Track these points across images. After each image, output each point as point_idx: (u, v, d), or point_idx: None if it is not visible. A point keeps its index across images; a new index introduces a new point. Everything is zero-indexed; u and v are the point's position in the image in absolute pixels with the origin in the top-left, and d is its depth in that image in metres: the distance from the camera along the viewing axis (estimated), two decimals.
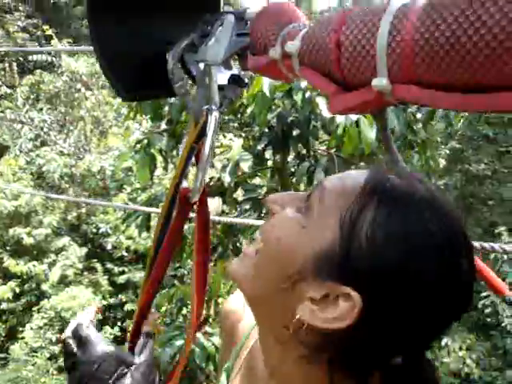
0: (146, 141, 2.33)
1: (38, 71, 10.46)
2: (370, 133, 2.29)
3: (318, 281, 0.48)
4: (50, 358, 6.93)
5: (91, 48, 0.69)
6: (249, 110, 2.17)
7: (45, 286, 7.77)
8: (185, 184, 0.68)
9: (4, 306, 7.58)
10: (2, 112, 10.59)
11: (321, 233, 0.49)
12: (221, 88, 0.65)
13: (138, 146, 2.34)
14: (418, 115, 3.03)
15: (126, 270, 8.31)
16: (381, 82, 0.43)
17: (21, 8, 13.84)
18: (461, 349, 6.49)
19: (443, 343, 5.99)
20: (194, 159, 0.67)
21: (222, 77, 0.65)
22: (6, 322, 7.66)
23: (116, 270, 8.31)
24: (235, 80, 0.65)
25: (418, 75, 0.41)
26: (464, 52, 0.37)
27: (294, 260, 0.50)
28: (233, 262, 0.56)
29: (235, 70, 0.66)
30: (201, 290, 0.70)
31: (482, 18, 0.35)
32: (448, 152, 8.92)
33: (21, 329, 7.45)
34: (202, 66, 0.64)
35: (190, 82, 0.71)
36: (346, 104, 0.48)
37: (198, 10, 0.69)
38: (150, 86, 0.74)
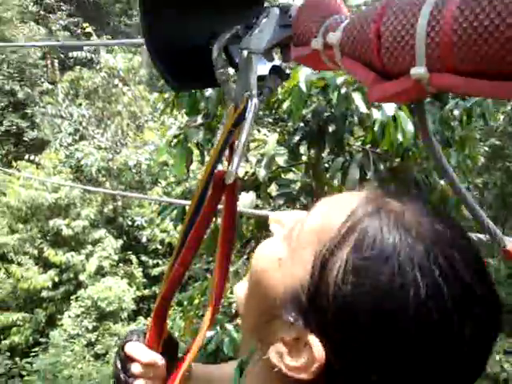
0: (182, 135, 2.38)
1: (78, 67, 10.76)
2: (408, 126, 2.27)
3: (290, 322, 0.44)
4: (86, 345, 7.16)
5: (134, 41, 0.73)
6: (284, 105, 2.18)
7: (82, 276, 8.01)
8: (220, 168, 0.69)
9: (44, 294, 7.87)
10: (43, 107, 10.95)
11: (293, 270, 0.45)
12: (262, 78, 0.67)
13: (175, 140, 2.39)
14: (456, 112, 2.97)
15: (160, 262, 8.48)
16: (419, 70, 0.44)
17: (63, 7, 14.26)
18: (498, 353, 6.31)
19: None
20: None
21: (263, 67, 0.67)
22: (46, 309, 7.95)
23: (150, 262, 8.49)
24: (276, 71, 0.67)
25: (456, 64, 0.42)
26: (503, 39, 0.38)
27: (268, 295, 0.47)
28: (241, 282, 0.56)
29: (277, 62, 0.68)
30: (221, 282, 0.67)
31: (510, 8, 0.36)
32: (487, 149, 8.67)
33: (59, 316, 7.72)
34: (245, 53, 0.66)
35: (232, 71, 0.73)
36: (385, 92, 0.49)
37: (243, 5, 0.71)
38: (196, 77, 0.77)
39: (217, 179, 0.64)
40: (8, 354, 7.24)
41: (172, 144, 2.43)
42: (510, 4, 0.37)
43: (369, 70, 0.50)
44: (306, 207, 3.14)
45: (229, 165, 0.67)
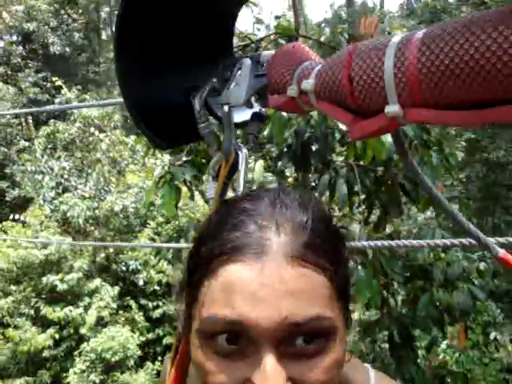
0: (168, 175, 2.40)
1: (52, 121, 10.79)
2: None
3: None
4: None
5: (120, 100, 0.76)
6: (265, 132, 2.23)
7: (83, 330, 7.85)
8: None
9: (46, 353, 7.68)
10: (22, 165, 10.90)
11: None
12: (245, 123, 0.70)
13: (162, 180, 2.41)
14: None
15: (160, 303, 8.36)
16: (393, 108, 0.47)
17: (30, 64, 14.35)
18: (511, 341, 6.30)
19: (491, 337, 5.81)
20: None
21: (244, 115, 0.70)
22: (49, 370, 7.74)
23: (150, 305, 8.36)
24: (257, 116, 0.70)
25: (425, 99, 0.45)
26: (464, 75, 0.42)
27: None
28: None
29: (256, 108, 0.71)
30: None
31: (475, 45, 0.40)
32: (464, 144, 8.85)
33: (65, 374, 7.52)
34: (226, 108, 0.69)
35: (215, 122, 0.76)
36: (364, 131, 0.52)
37: (213, 56, 0.75)
38: (180, 133, 0.80)
39: None
40: None
41: (159, 185, 2.45)
42: (464, 44, 0.41)
43: (345, 111, 0.53)
44: None
45: None
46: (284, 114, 2.13)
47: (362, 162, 3.09)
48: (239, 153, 0.68)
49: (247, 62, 0.67)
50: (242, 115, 0.71)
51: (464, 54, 0.41)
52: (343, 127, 2.34)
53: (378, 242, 1.81)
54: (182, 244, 2.60)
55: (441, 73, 0.43)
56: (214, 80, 0.71)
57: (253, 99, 0.71)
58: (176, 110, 0.75)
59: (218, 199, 0.68)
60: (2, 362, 7.71)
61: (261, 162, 2.55)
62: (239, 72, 0.68)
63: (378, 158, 2.63)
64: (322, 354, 0.47)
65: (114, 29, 0.71)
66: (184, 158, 2.47)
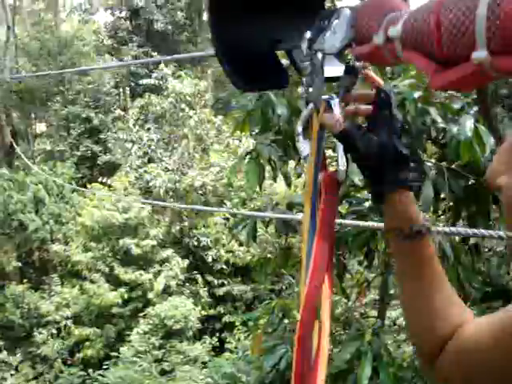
0: (254, 152, 2.43)
1: (147, 94, 11.31)
2: (489, 139, 2.18)
3: None
4: (154, 362, 7.32)
5: (202, 53, 0.79)
6: None
7: (150, 295, 8.25)
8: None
9: (114, 310, 8.18)
10: (115, 133, 11.57)
11: None
12: (337, 79, 0.68)
13: (248, 157, 2.44)
14: None
15: (225, 282, 8.57)
16: (480, 54, 0.45)
17: (134, 39, 15.12)
18: None
19: None
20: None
21: (337, 69, 0.68)
22: (115, 325, 8.24)
23: (216, 282, 8.60)
24: (351, 70, 0.68)
25: None
26: None
27: None
28: None
29: (350, 63, 0.69)
30: (315, 281, 0.62)
31: None
32: None
33: (128, 332, 7.97)
34: (319, 55, 0.67)
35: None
36: (447, 79, 0.50)
37: (304, 11, 0.74)
38: (261, 79, 0.80)
39: (328, 181, 0.65)
40: (81, 366, 7.55)
41: (244, 161, 2.48)
42: None
43: (430, 59, 0.51)
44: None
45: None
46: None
47: (453, 167, 2.93)
48: (331, 102, 0.66)
49: (346, 11, 0.65)
50: (333, 70, 0.70)
51: None
52: (441, 124, 2.23)
53: (452, 229, 1.71)
54: (267, 213, 2.60)
55: None
56: (308, 33, 0.70)
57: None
58: (261, 58, 0.76)
59: (317, 152, 0.66)
60: (77, 310, 8.31)
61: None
62: (336, 21, 0.66)
63: (474, 162, 2.47)
64: None
65: None
66: (271, 138, 2.49)
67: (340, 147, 0.65)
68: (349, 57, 0.70)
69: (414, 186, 0.62)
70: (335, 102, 0.65)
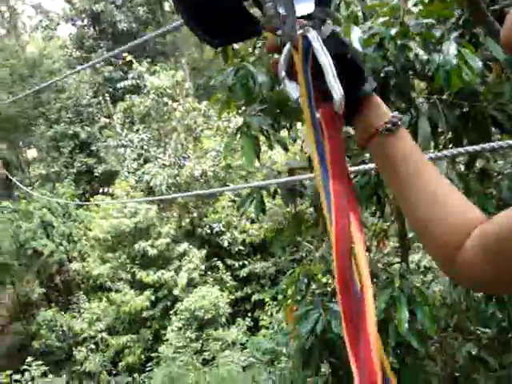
0: (245, 126, 2.40)
1: (128, 96, 11.21)
2: (475, 63, 2.13)
3: None
4: (194, 353, 7.43)
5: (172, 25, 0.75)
6: None
7: (176, 291, 8.33)
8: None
9: (145, 313, 8.27)
10: (104, 141, 11.52)
11: None
12: (308, 15, 0.64)
13: (239, 132, 2.41)
14: None
15: (245, 263, 8.63)
16: None
17: (101, 44, 14.93)
18: None
19: None
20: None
21: (308, 6, 0.65)
22: (150, 328, 8.34)
23: (236, 264, 8.66)
24: (322, 2, 0.65)
25: None
26: None
27: None
28: None
29: None
30: (341, 219, 0.58)
31: None
32: None
33: (163, 332, 8.07)
34: None
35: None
36: None
37: None
38: (231, 31, 0.77)
39: (327, 115, 0.62)
40: (127, 373, 7.69)
41: (237, 137, 2.45)
42: None
43: None
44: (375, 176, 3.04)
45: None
46: (359, 48, 2.01)
47: (445, 97, 2.88)
48: (307, 34, 0.62)
49: None
50: (304, 7, 0.66)
51: None
52: (424, 56, 2.17)
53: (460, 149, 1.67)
54: (274, 180, 2.57)
55: None
56: None
57: None
58: (223, 10, 0.72)
59: (306, 86, 0.63)
60: (110, 321, 8.42)
61: None
62: None
63: (465, 89, 2.43)
64: None
65: None
66: (258, 108, 2.45)
67: (330, 73, 0.61)
68: None
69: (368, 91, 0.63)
70: (313, 36, 0.61)
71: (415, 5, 2.41)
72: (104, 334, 8.33)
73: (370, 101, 0.63)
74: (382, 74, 2.45)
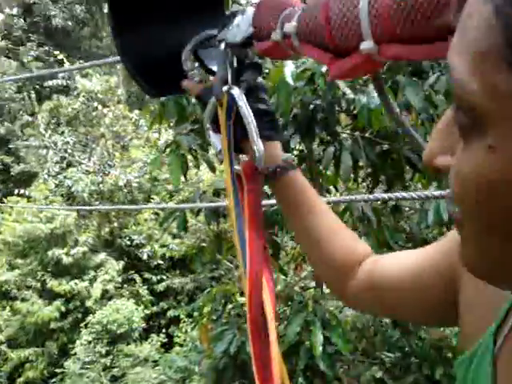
0: (174, 144, 2.41)
1: (55, 96, 10.74)
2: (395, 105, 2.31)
3: None
4: (103, 370, 7.13)
5: (108, 60, 0.79)
6: (271, 101, 2.21)
7: (89, 302, 7.97)
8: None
9: (53, 325, 7.82)
10: (26, 140, 10.91)
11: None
12: (239, 72, 0.70)
13: (168, 150, 2.42)
14: (437, 87, 3.01)
15: (164, 277, 8.47)
16: (368, 44, 0.51)
17: (32, 38, 14.21)
18: None
19: None
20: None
21: (239, 62, 0.71)
22: (57, 341, 7.90)
23: (154, 278, 8.47)
24: (251, 65, 0.70)
25: (396, 34, 0.49)
26: (424, 11, 0.46)
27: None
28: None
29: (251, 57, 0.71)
30: (256, 266, 0.63)
31: None
32: None
33: (71, 345, 7.67)
34: (222, 46, 0.69)
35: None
36: (341, 68, 0.55)
37: (207, 13, 0.76)
38: (171, 83, 0.81)
39: (248, 170, 0.66)
40: None
41: (165, 153, 2.45)
42: None
43: (324, 51, 0.56)
44: None
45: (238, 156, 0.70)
46: (290, 82, 2.12)
47: (367, 135, 3.07)
48: (232, 92, 0.67)
49: (250, 9, 0.69)
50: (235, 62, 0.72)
51: None
52: (350, 95, 2.33)
53: (377, 196, 1.82)
54: (193, 204, 2.61)
55: (409, 8, 0.46)
56: (207, 31, 0.73)
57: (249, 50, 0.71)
58: (169, 62, 0.77)
59: (228, 144, 0.68)
60: (11, 333, 7.86)
61: None
62: (240, 17, 0.69)
63: (384, 131, 2.62)
64: None
65: None
66: (189, 127, 2.47)
67: (253, 131, 0.66)
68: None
69: (272, 135, 0.69)
70: (238, 94, 0.66)
71: None
72: (3, 347, 7.76)
73: (267, 144, 0.68)
74: (310, 107, 2.59)
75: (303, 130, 2.49)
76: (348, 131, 3.13)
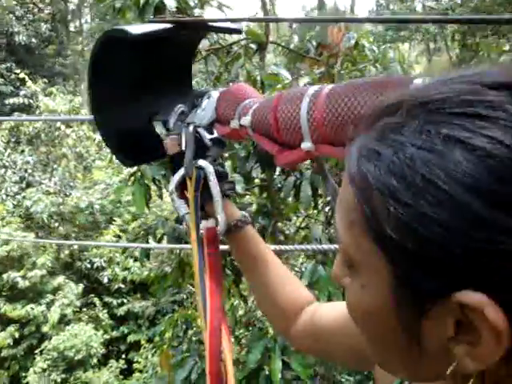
0: (138, 173, 2.45)
1: (16, 114, 10.52)
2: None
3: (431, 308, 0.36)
4: None
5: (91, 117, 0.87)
6: None
7: (45, 328, 7.71)
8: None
9: (5, 352, 7.50)
10: None
11: (372, 269, 0.39)
12: (205, 148, 0.80)
13: (132, 178, 2.45)
14: None
15: (124, 301, 8.31)
16: (307, 144, 0.64)
17: None
18: None
19: None
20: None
21: (205, 140, 0.80)
22: (8, 369, 7.57)
23: (115, 302, 8.30)
24: (216, 141, 0.80)
25: (329, 138, 0.62)
26: (349, 124, 0.59)
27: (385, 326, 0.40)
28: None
29: (215, 134, 0.81)
30: (216, 320, 0.70)
31: (360, 104, 0.58)
32: None
33: (24, 374, 7.38)
34: (191, 127, 0.78)
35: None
36: (287, 159, 0.68)
37: (174, 86, 0.86)
38: (143, 152, 0.90)
39: (210, 235, 0.75)
40: None
41: (129, 182, 2.48)
42: (352, 103, 0.59)
43: (273, 142, 0.70)
44: (264, 228, 3.25)
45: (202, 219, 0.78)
46: None
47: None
48: (204, 168, 0.76)
49: (215, 93, 0.79)
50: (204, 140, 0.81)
51: (353, 110, 0.58)
52: None
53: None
54: (151, 244, 2.66)
55: (339, 121, 0.60)
56: (181, 105, 0.82)
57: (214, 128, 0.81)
58: (140, 133, 0.85)
59: (195, 213, 0.76)
60: None
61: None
62: (207, 101, 0.79)
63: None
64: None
65: (89, 61, 0.83)
66: None
67: (219, 204, 0.76)
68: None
69: (230, 194, 0.80)
70: (210, 171, 0.75)
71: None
72: None
73: (225, 202, 0.79)
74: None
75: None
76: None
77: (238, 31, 0.87)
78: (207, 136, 0.79)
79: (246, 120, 0.71)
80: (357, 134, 0.41)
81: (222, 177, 0.78)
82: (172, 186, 0.79)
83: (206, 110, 0.78)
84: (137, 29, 0.74)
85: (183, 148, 0.79)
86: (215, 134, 0.80)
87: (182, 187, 0.79)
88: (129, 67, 0.83)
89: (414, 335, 0.38)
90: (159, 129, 0.82)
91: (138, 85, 0.85)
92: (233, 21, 0.82)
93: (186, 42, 0.88)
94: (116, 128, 0.85)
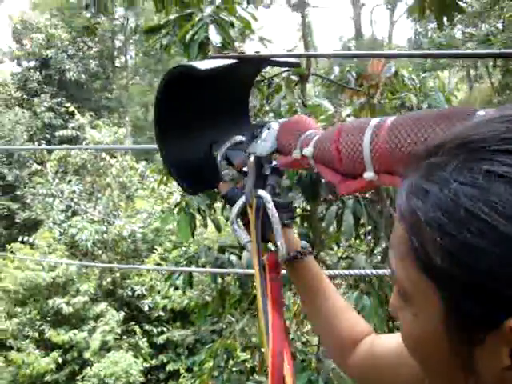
0: (183, 202, 2.51)
1: (65, 145, 11.02)
2: None
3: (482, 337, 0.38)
4: None
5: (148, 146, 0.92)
6: None
7: (86, 354, 7.83)
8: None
9: (48, 377, 7.64)
10: (33, 188, 11.09)
11: (426, 302, 0.41)
12: (265, 177, 0.82)
13: (177, 208, 2.51)
14: None
15: (164, 329, 8.35)
16: (370, 174, 0.66)
17: (46, 89, 14.73)
18: None
19: None
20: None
21: (265, 169, 0.83)
22: None
23: (155, 330, 8.35)
24: (275, 170, 0.82)
25: (391, 168, 0.63)
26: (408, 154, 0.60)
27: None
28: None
29: (275, 163, 0.84)
30: (279, 343, 0.72)
31: (424, 136, 0.59)
32: None
33: None
34: (252, 158, 0.81)
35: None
36: (349, 188, 0.70)
37: (232, 117, 0.90)
38: (205, 180, 0.94)
39: (272, 262, 0.77)
40: None
41: (174, 211, 2.55)
42: (416, 134, 0.60)
43: (335, 173, 0.72)
44: None
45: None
46: None
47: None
48: (262, 195, 0.78)
49: (275, 125, 0.82)
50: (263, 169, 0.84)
51: (416, 141, 0.60)
52: None
53: (382, 271, 1.88)
54: (190, 268, 2.69)
55: (401, 152, 0.61)
56: (238, 137, 0.85)
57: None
58: (202, 162, 0.89)
59: (256, 239, 0.78)
60: None
61: None
62: (267, 131, 0.82)
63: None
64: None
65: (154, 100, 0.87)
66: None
67: (278, 231, 0.78)
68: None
69: (290, 223, 0.81)
70: (268, 199, 0.77)
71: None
72: None
73: (285, 231, 0.80)
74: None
75: (308, 191, 2.59)
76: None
77: (297, 65, 0.91)
78: (267, 165, 0.81)
79: (308, 151, 0.73)
80: (407, 172, 0.44)
81: (281, 205, 0.79)
82: (233, 214, 0.82)
83: (266, 141, 0.81)
84: (204, 64, 0.78)
85: (244, 178, 0.82)
86: (274, 163, 0.82)
87: (242, 217, 0.81)
88: (191, 100, 0.88)
89: (466, 362, 0.40)
90: (218, 159, 0.85)
91: (197, 117, 0.89)
92: (290, 56, 0.86)
93: (245, 75, 0.92)
94: (179, 158, 0.90)
